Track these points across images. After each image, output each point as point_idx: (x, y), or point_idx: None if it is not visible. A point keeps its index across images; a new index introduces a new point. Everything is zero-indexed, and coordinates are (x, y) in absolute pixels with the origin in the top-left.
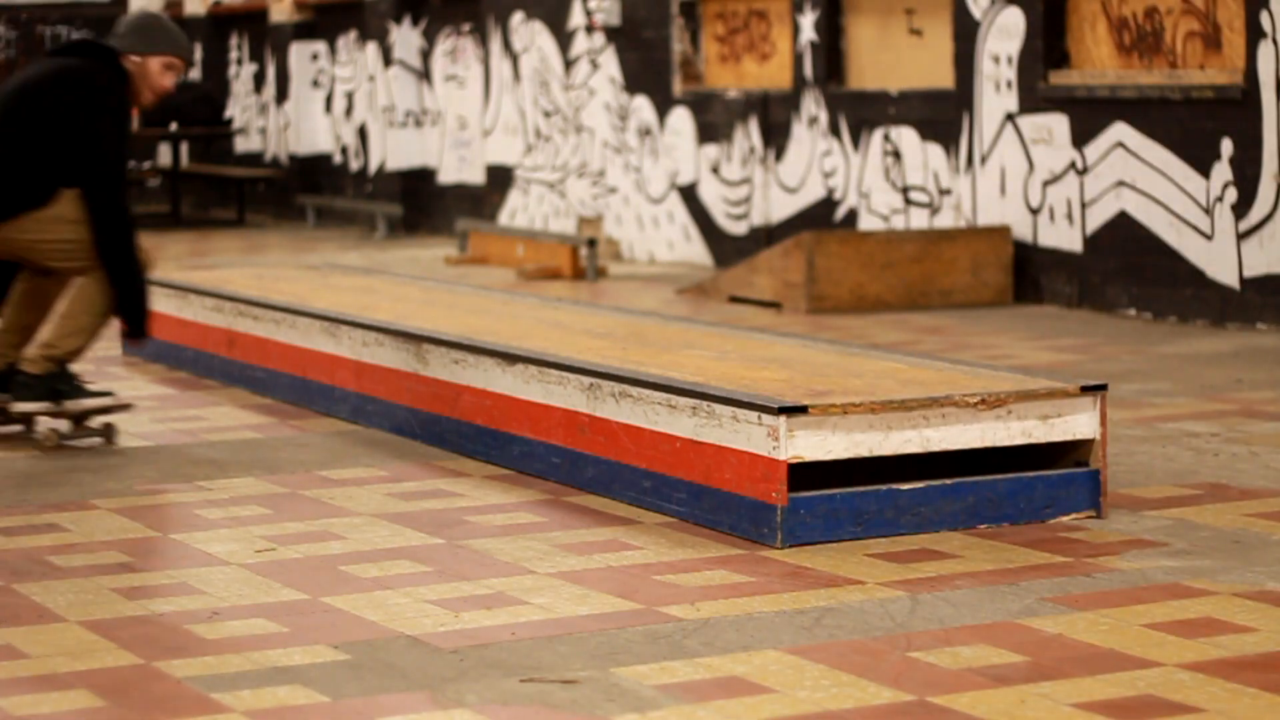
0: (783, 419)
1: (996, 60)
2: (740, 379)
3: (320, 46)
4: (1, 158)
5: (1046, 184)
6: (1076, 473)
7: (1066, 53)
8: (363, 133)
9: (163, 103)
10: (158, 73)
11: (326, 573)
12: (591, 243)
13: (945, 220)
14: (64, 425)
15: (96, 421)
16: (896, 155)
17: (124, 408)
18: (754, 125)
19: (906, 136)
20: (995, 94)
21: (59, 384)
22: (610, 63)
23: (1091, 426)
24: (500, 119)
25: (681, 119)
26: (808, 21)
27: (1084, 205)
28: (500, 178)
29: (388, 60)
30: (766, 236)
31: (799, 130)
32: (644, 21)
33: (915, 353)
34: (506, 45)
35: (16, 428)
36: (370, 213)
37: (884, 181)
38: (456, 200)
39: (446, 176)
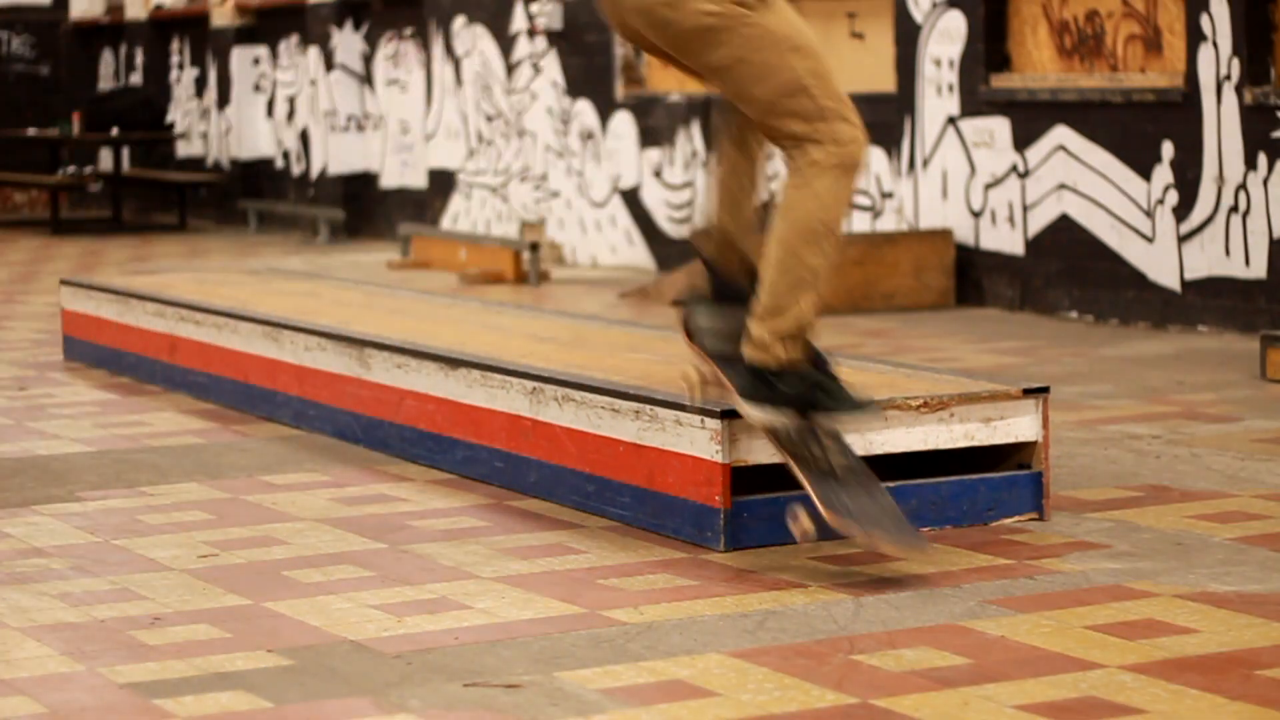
0: (726, 422)
1: (938, 64)
2: (683, 383)
3: (262, 51)
4: None
5: (988, 187)
6: (1019, 475)
7: (1008, 56)
8: (304, 137)
9: (104, 108)
10: None
11: (269, 578)
12: (534, 247)
13: (887, 224)
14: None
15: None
16: None
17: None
18: (696, 129)
19: None
20: (937, 97)
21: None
22: (552, 67)
23: (1034, 429)
24: (442, 123)
25: (624, 123)
26: None
27: (1025, 208)
28: (442, 182)
29: (329, 64)
30: None
31: None
32: (586, 26)
33: (858, 356)
34: (448, 49)
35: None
36: (312, 217)
37: None
38: (399, 205)
39: (389, 181)
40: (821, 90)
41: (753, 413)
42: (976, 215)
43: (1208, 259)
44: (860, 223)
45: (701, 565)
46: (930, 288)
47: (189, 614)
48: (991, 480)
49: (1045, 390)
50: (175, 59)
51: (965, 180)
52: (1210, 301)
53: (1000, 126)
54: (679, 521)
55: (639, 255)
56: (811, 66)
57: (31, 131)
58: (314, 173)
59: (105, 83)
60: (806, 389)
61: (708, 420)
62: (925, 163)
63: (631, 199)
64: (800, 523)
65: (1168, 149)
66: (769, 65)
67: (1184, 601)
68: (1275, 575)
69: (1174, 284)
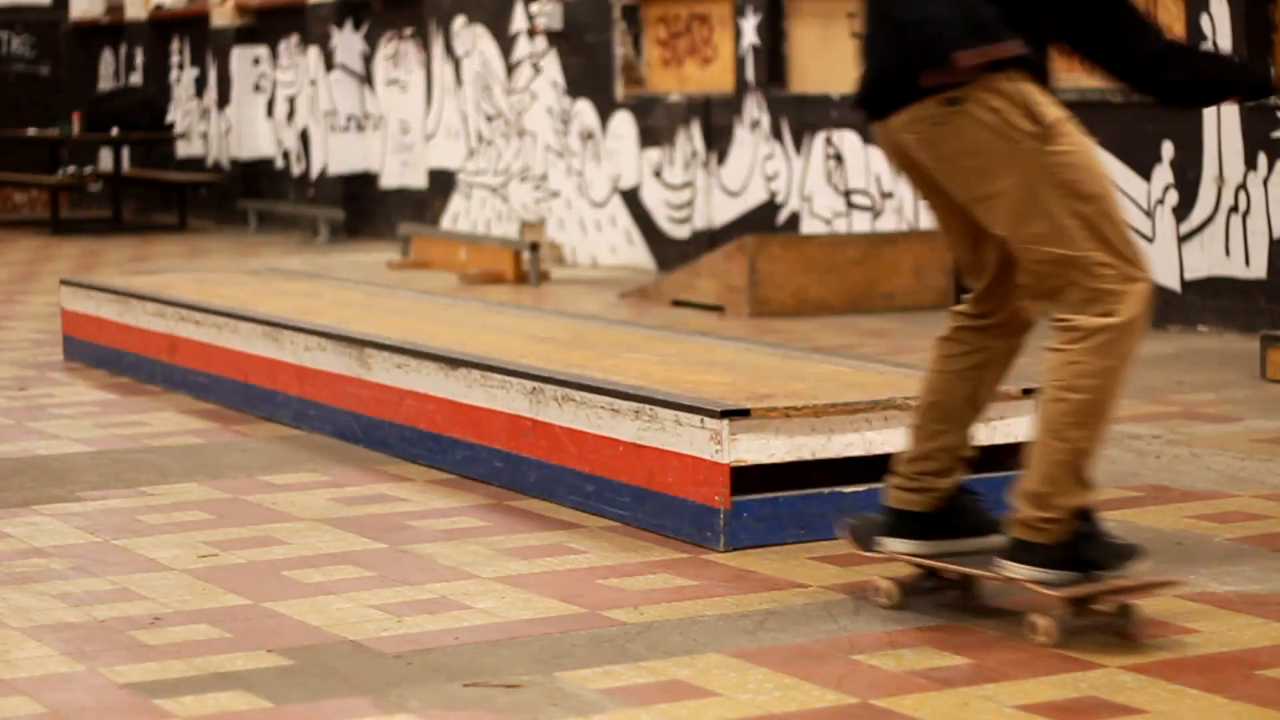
0: (725, 422)
1: None
2: (683, 382)
3: (262, 51)
4: None
5: None
6: (1019, 475)
7: None
8: (304, 137)
9: (104, 108)
10: None
11: (269, 578)
12: (534, 247)
13: (887, 224)
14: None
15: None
16: (839, 159)
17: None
18: (696, 129)
19: (849, 140)
20: None
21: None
22: (552, 67)
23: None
24: (442, 123)
25: (623, 123)
26: (749, 25)
27: None
28: (442, 182)
29: (329, 64)
30: (709, 240)
31: (741, 134)
32: (586, 25)
33: (858, 356)
34: (448, 49)
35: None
36: (312, 217)
37: (826, 185)
38: (399, 204)
39: (389, 181)
40: (1092, 239)
41: (1053, 594)
42: None
43: (1208, 259)
44: (860, 223)
45: (702, 565)
46: (930, 288)
47: (189, 614)
48: (992, 480)
49: None
50: (175, 59)
51: None
52: (1210, 301)
53: None
54: (679, 521)
55: (639, 255)
56: (1085, 211)
57: (31, 131)
58: (314, 173)
59: (105, 83)
60: (1080, 551)
61: (708, 420)
62: None
63: (631, 199)
64: (1042, 630)
65: (1168, 149)
66: (1034, 203)
67: (1184, 602)
68: (1275, 575)
69: (1174, 284)
